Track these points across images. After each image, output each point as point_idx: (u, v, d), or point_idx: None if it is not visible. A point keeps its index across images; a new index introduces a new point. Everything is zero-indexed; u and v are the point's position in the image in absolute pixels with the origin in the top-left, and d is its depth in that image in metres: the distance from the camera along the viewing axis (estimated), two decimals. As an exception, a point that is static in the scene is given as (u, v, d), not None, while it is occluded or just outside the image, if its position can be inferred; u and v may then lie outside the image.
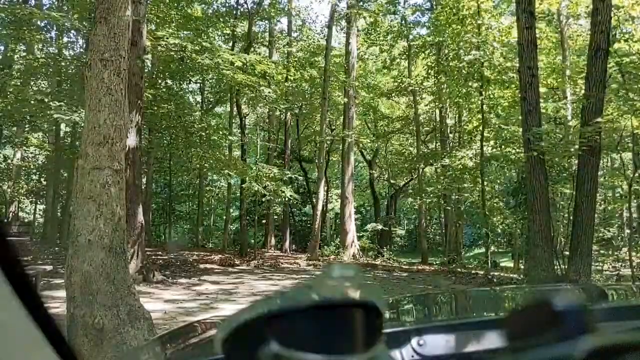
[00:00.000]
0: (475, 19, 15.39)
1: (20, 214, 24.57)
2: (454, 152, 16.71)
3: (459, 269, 15.05)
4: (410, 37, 20.37)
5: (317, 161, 20.85)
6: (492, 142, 15.73)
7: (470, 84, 15.69)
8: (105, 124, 4.36)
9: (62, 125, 16.67)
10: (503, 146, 14.67)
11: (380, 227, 20.32)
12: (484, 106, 15.31)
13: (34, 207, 24.76)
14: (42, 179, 22.02)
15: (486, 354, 1.11)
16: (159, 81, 17.12)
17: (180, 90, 19.69)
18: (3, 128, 17.70)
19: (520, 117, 10.40)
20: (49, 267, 7.51)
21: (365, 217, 28.36)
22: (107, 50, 4.45)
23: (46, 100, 11.37)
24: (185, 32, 15.32)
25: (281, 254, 19.62)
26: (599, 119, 8.56)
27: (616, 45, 11.23)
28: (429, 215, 25.82)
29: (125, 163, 5.01)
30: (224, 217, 22.31)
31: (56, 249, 14.58)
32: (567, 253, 9.63)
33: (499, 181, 18.77)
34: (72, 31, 15.60)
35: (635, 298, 1.87)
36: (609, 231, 14.34)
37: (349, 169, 18.38)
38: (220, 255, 16.15)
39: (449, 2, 16.28)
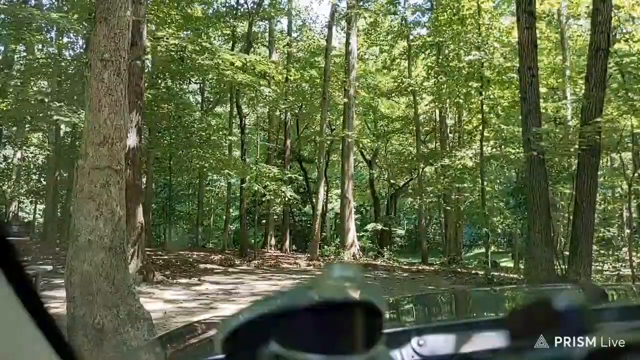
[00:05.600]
0: (475, 19, 15.39)
1: (20, 214, 24.60)
2: (454, 152, 16.70)
3: (459, 269, 15.05)
4: (411, 37, 20.36)
5: (317, 161, 20.83)
6: (492, 142, 15.75)
7: (470, 84, 15.69)
8: (106, 124, 4.36)
9: (62, 125, 16.67)
10: (503, 146, 14.68)
11: (380, 227, 20.30)
12: (484, 106, 15.31)
13: (34, 207, 24.77)
14: (42, 179, 22.02)
15: (486, 354, 1.11)
16: (159, 81, 17.12)
17: (180, 91, 19.69)
18: (3, 128, 17.70)
19: (520, 117, 10.40)
20: (49, 267, 7.50)
21: (365, 217, 28.33)
22: (107, 50, 4.45)
23: (46, 100, 11.38)
24: (185, 32, 15.33)
25: (281, 254, 19.61)
26: (599, 119, 8.55)
27: (616, 46, 11.22)
28: (429, 215, 25.82)
29: (125, 163, 5.02)
30: (224, 217, 22.30)
31: (56, 249, 14.57)
32: (567, 253, 9.62)
33: (499, 181, 18.76)
34: (72, 31, 15.59)
35: (635, 298, 1.87)
36: (609, 231, 14.32)
37: (349, 169, 18.36)
38: (220, 255, 16.14)
39: (449, 2, 16.28)
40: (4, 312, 0.57)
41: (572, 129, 12.70)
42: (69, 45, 17.87)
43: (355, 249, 17.62)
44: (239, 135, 18.22)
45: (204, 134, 15.70)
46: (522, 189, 12.73)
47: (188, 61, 14.34)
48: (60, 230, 18.15)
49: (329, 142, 20.85)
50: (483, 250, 19.04)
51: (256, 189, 15.61)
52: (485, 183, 15.32)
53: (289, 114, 21.49)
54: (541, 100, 10.45)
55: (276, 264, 15.44)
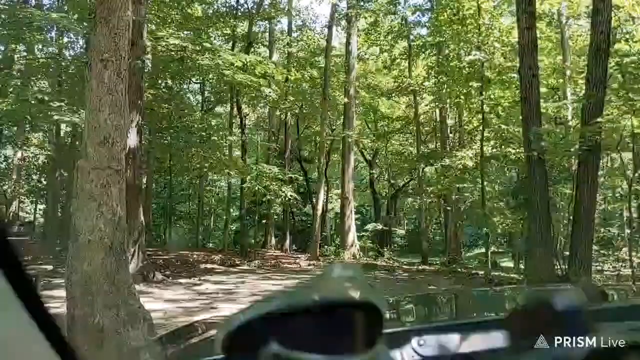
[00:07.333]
0: (475, 19, 15.38)
1: (21, 213, 24.56)
2: (454, 152, 16.70)
3: (459, 269, 15.04)
4: (411, 37, 20.36)
5: (317, 161, 20.83)
6: (492, 142, 15.74)
7: (470, 84, 15.68)
8: (106, 124, 4.36)
9: (62, 125, 16.66)
10: (503, 146, 14.66)
11: (380, 227, 20.29)
12: (485, 106, 15.30)
13: (34, 207, 24.76)
14: (42, 179, 22.02)
15: (486, 354, 1.11)
16: (159, 81, 17.11)
17: (181, 91, 19.69)
18: (3, 128, 17.69)
19: (520, 117, 10.39)
20: (49, 267, 7.52)
21: (365, 217, 28.33)
22: (107, 50, 4.44)
23: (46, 99, 11.37)
24: (185, 32, 15.33)
25: (281, 254, 19.61)
26: (599, 119, 8.55)
27: (616, 46, 11.22)
28: (429, 215, 25.77)
29: (126, 163, 5.01)
30: (224, 217, 22.29)
31: (56, 249, 14.56)
32: (567, 253, 9.62)
33: (499, 181, 18.76)
34: (72, 31, 15.59)
35: (635, 298, 1.87)
36: (609, 231, 14.32)
37: (349, 169, 18.36)
38: (220, 255, 16.14)
39: (449, 2, 16.27)
40: (4, 313, 0.57)
41: (572, 129, 12.71)
42: (69, 45, 17.89)
43: (355, 249, 17.62)
44: (239, 135, 18.21)
45: (204, 134, 15.70)
46: (522, 189, 12.72)
47: (188, 61, 14.33)
48: (61, 230, 18.13)
49: (329, 142, 20.85)
50: (483, 250, 19.03)
51: (257, 189, 15.61)
52: (485, 183, 15.31)
53: (289, 114, 21.49)
54: (541, 100, 10.45)
55: (276, 263, 15.44)
